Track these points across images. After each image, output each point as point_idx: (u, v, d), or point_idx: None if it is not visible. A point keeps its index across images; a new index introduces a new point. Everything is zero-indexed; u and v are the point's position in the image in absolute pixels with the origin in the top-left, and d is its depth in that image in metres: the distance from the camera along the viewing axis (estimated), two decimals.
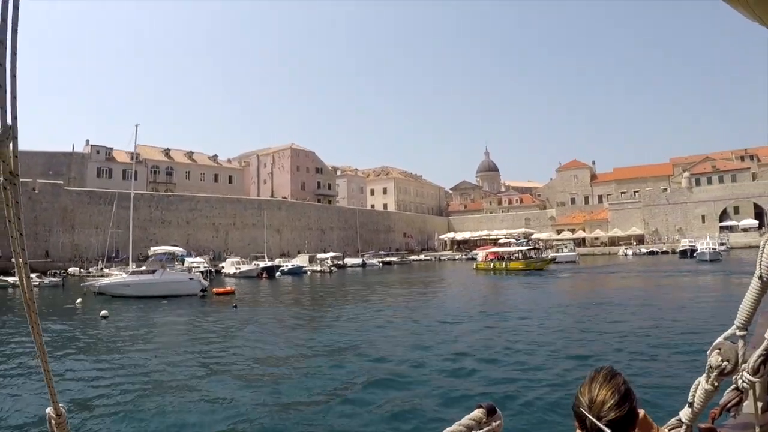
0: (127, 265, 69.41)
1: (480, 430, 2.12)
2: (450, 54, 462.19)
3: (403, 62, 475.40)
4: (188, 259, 58.48)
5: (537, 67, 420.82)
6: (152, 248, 52.65)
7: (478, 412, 2.16)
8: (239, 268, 70.16)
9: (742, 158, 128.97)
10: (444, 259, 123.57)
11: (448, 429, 2.01)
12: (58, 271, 65.39)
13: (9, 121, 1.49)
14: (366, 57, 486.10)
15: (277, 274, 70.85)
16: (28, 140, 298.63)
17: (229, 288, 47.76)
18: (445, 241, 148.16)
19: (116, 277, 45.82)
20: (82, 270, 71.08)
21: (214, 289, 45.63)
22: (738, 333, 2.13)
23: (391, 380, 15.12)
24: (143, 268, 46.21)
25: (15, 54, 1.49)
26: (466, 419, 2.11)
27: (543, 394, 12.94)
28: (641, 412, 2.20)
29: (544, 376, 14.90)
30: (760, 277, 2.04)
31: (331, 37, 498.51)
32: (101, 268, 70.18)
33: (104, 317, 30.09)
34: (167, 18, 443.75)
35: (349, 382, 15.25)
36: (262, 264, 71.65)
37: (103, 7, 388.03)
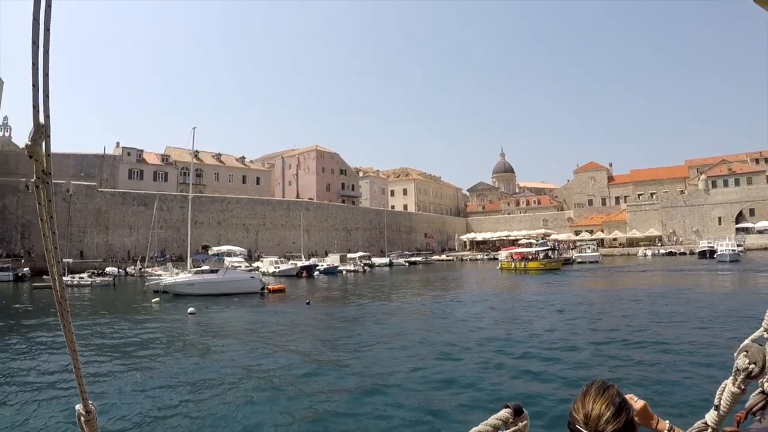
0: (170, 263, 72.05)
1: (507, 430, 2.20)
2: (467, 57, 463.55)
3: (420, 65, 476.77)
4: (228, 259, 60.06)
5: (551, 70, 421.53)
6: (214, 248, 54.28)
7: (504, 412, 2.23)
8: (278, 267, 71.95)
9: (757, 161, 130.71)
10: (466, 260, 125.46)
11: (474, 429, 2.10)
12: (99, 270, 66.63)
13: (42, 120, 1.55)
14: (383, 61, 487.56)
15: (315, 273, 72.87)
16: (58, 142, 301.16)
17: (281, 285, 49.68)
18: (465, 241, 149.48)
19: (181, 276, 47.21)
20: (139, 269, 72.47)
21: (268, 287, 47.58)
22: (766, 335, 2.16)
23: (428, 376, 15.60)
24: (205, 267, 47.84)
25: (48, 53, 1.54)
26: (492, 419, 2.18)
27: (570, 395, 12.46)
28: (641, 403, 2.33)
29: (573, 375, 15.14)
30: None
31: (349, 41, 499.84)
32: (140, 269, 72.11)
33: (192, 314, 31.59)
34: (189, 21, 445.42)
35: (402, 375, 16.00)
36: (299, 263, 73.74)
37: (131, 8, 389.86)
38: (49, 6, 1.54)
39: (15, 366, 18.08)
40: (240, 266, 62.23)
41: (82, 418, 1.90)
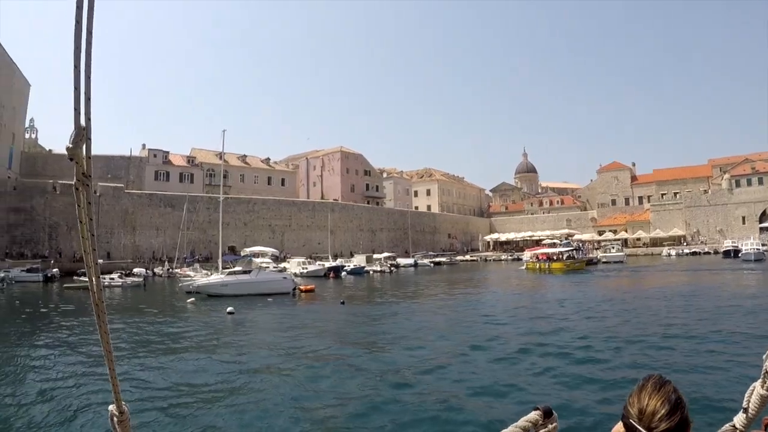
0: (197, 264, 72.50)
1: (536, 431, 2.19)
2: (487, 58, 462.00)
3: (441, 65, 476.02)
4: (255, 260, 60.17)
5: (573, 70, 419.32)
6: (246, 249, 54.50)
7: (534, 414, 2.22)
8: (306, 268, 72.09)
9: None
10: (490, 260, 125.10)
11: (504, 430, 2.09)
12: (127, 271, 66.58)
13: (83, 122, 1.57)
14: (403, 61, 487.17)
15: (342, 273, 72.97)
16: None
17: (311, 286, 49.87)
18: (489, 242, 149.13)
19: (214, 277, 47.43)
20: (167, 270, 73.14)
21: (299, 287, 47.81)
22: None
23: (456, 376, 15.62)
24: (237, 268, 48.06)
25: (90, 56, 1.56)
26: (522, 421, 2.17)
27: (602, 397, 12.94)
28: None
29: (608, 376, 15.04)
30: None
31: (370, 42, 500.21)
32: (168, 270, 72.56)
33: (230, 313, 31.81)
34: (212, 22, 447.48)
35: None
36: (327, 264, 73.94)
37: (155, 10, 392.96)
38: (91, 9, 1.55)
39: (50, 366, 18.23)
40: (268, 267, 62.45)
41: (115, 419, 1.93)
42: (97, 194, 77.75)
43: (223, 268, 51.15)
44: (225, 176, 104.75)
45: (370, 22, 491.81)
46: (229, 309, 32.51)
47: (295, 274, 62.12)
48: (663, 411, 1.83)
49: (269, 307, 37.43)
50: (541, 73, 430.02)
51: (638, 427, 1.83)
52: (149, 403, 13.41)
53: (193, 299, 40.25)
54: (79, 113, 1.56)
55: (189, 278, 52.93)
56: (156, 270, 73.81)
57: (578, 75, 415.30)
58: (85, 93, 1.58)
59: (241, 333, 25.87)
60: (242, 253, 52.72)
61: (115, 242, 79.44)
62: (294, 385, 15.01)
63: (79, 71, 1.56)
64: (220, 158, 74.94)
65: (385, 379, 15.41)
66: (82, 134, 1.60)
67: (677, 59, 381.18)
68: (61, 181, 76.39)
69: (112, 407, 1.92)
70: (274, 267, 66.56)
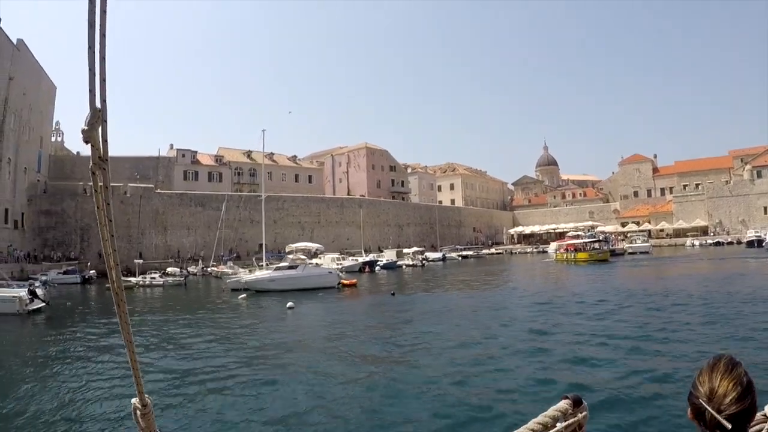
0: (230, 262, 72.81)
1: (566, 421, 2.19)
2: (506, 51, 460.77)
3: (459, 59, 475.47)
4: (289, 256, 60.36)
5: (592, 62, 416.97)
6: (290, 245, 54.69)
7: (564, 404, 2.23)
8: (341, 263, 72.32)
9: None
10: (515, 253, 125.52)
11: (534, 420, 2.10)
12: (160, 270, 66.70)
13: (98, 104, 1.52)
14: (422, 57, 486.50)
15: (376, 268, 73.28)
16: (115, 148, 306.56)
17: (353, 280, 50.26)
18: (513, 235, 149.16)
19: (262, 273, 47.74)
20: (201, 268, 74.17)
21: (342, 282, 48.35)
22: None
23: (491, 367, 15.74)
24: (284, 264, 48.24)
25: (104, 36, 1.52)
26: (552, 410, 2.17)
27: (632, 384, 12.90)
28: None
29: (637, 365, 14.89)
30: None
31: (389, 39, 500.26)
32: (203, 268, 72.88)
33: (290, 308, 32.19)
34: (237, 22, 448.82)
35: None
36: (360, 259, 74.39)
37: (185, 8, 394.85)
38: None
39: (92, 361, 18.58)
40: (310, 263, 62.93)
41: (138, 412, 1.92)
42: (128, 195, 78.17)
43: (267, 264, 51.94)
44: (253, 174, 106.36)
45: (390, 22, 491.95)
46: (289, 304, 32.90)
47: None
48: (734, 393, 1.80)
49: (323, 301, 38.07)
50: (559, 67, 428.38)
51: (708, 407, 1.81)
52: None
53: (244, 295, 40.62)
54: (94, 94, 1.51)
55: (232, 275, 53.26)
56: (190, 269, 73.99)
57: (597, 67, 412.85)
58: (100, 74, 1.53)
59: (313, 327, 26.57)
60: (287, 249, 52.69)
61: (146, 242, 79.58)
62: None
63: (94, 51, 1.51)
64: (261, 158, 75.89)
65: (447, 372, 15.36)
66: (97, 116, 1.55)
67: (696, 50, 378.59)
68: (90, 183, 76.71)
69: (135, 400, 1.90)
70: (310, 263, 67.16)
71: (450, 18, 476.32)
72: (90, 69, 1.50)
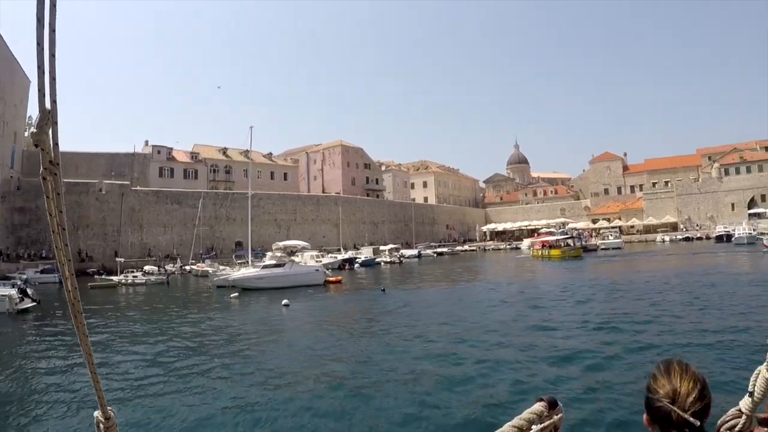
0: (208, 260, 72.52)
1: (541, 423, 2.18)
2: (479, 50, 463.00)
3: (432, 57, 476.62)
4: (269, 254, 60.38)
5: (563, 61, 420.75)
6: (276, 242, 54.75)
7: (539, 406, 2.21)
8: (320, 261, 72.46)
9: (767, 149, 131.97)
10: (489, 249, 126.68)
11: (508, 423, 2.08)
12: (136, 269, 65.26)
13: (48, 105, 1.45)
14: (397, 55, 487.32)
15: (355, 265, 73.75)
16: (85, 141, 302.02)
17: (338, 278, 51.12)
18: (485, 231, 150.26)
19: (250, 271, 47.83)
20: (180, 267, 73.30)
21: (327, 279, 48.98)
22: None
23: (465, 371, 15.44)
24: (272, 262, 48.31)
25: (54, 31, 1.44)
26: (527, 413, 2.16)
27: (606, 385, 12.87)
28: None
29: (607, 364, 15.05)
30: None
31: (363, 35, 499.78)
32: (182, 266, 72.35)
33: (286, 306, 32.49)
34: (210, 19, 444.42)
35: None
36: (340, 257, 74.76)
37: (160, 5, 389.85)
38: None
39: (79, 365, 18.04)
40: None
41: (101, 425, 1.88)
42: (103, 192, 77.18)
43: (248, 262, 52.45)
44: (228, 171, 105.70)
45: (363, 19, 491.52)
46: (285, 302, 33.17)
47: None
48: (696, 392, 1.93)
49: (315, 298, 38.41)
50: (529, 66, 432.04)
51: (674, 408, 1.91)
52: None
53: (236, 294, 40.64)
54: (44, 95, 1.42)
55: (219, 273, 53.34)
56: (167, 267, 72.96)
57: (567, 67, 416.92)
58: (50, 73, 1.44)
59: (313, 324, 26.60)
60: (275, 246, 52.70)
61: (122, 240, 78.45)
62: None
63: (42, 48, 1.42)
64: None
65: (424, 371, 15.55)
66: (47, 118, 1.46)
67: (666, 51, 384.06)
68: (65, 180, 75.35)
69: (97, 413, 1.87)
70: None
71: (423, 16, 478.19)
72: (39, 67, 1.40)
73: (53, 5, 1.42)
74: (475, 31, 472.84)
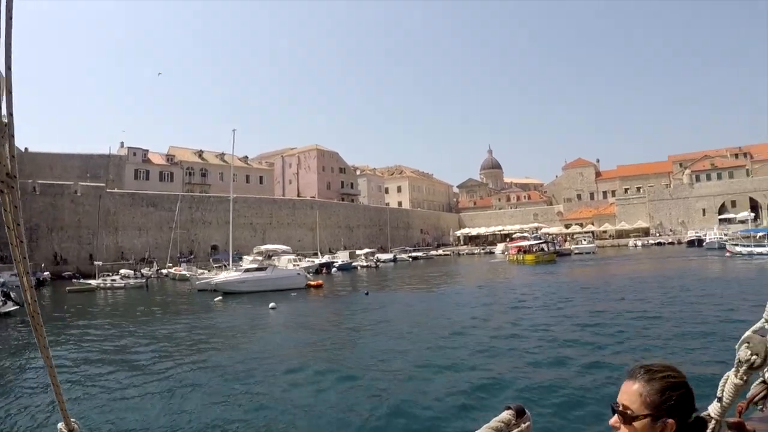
0: (184, 264, 72.17)
1: None
2: (452, 56, 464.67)
3: (405, 64, 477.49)
4: (248, 257, 60.36)
5: (536, 68, 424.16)
6: (258, 246, 54.77)
7: (506, 414, 2.21)
8: (298, 265, 72.49)
9: (737, 155, 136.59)
10: (463, 254, 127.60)
11: (477, 431, 2.07)
12: (112, 273, 64.14)
13: (4, 117, 1.39)
14: (371, 60, 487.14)
15: (333, 269, 73.94)
16: (59, 142, 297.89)
17: (319, 281, 51.45)
18: (459, 236, 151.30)
19: (232, 274, 47.82)
20: (156, 270, 72.15)
21: (309, 283, 49.28)
22: (767, 326, 2.14)
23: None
24: (254, 265, 48.38)
25: (10, 43, 1.35)
26: (494, 422, 2.15)
27: (576, 392, 12.58)
28: None
29: (583, 368, 14.90)
30: None
31: (338, 40, 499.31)
32: (158, 270, 71.72)
33: (273, 308, 32.67)
34: (184, 16, 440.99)
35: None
36: (317, 261, 74.80)
37: (135, 7, 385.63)
38: None
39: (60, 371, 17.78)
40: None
41: None
42: (78, 194, 76.29)
43: (226, 266, 53.63)
44: (204, 174, 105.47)
45: (336, 21, 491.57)
46: (272, 305, 33.37)
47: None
48: (664, 396, 1.91)
49: (299, 301, 38.92)
50: (503, 72, 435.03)
51: (619, 410, 1.95)
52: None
53: (220, 297, 40.60)
54: (0, 107, 1.28)
55: (200, 277, 53.27)
56: (143, 271, 71.84)
57: (539, 73, 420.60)
58: (6, 85, 1.41)
59: (305, 326, 26.81)
60: (256, 250, 52.76)
61: (98, 243, 77.16)
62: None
63: None
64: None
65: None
66: (4, 131, 1.44)
67: (637, 59, 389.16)
68: (40, 181, 74.57)
69: (60, 425, 1.88)
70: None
71: (395, 23, 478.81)
72: None
73: (9, 18, 1.34)
74: (448, 37, 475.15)
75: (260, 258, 49.95)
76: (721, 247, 77.27)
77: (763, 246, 64.84)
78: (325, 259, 79.73)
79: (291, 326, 26.59)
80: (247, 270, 47.36)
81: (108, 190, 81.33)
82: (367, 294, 39.51)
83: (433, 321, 25.13)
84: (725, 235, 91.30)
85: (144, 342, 23.07)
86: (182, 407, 13.02)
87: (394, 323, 25.15)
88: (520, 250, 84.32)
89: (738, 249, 67.49)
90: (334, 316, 28.96)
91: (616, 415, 1.93)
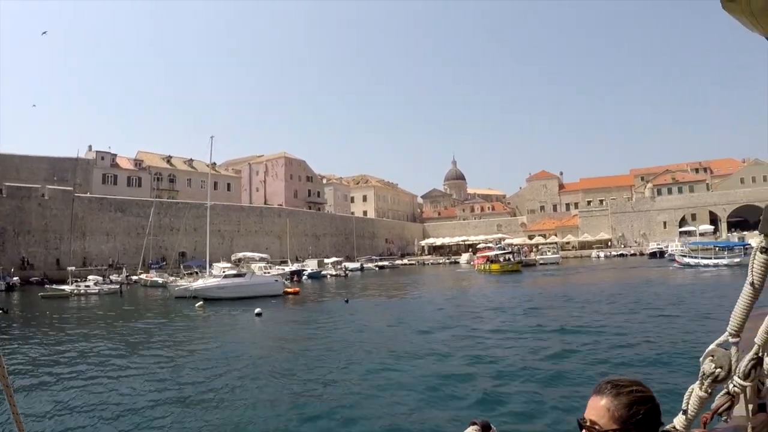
0: (153, 271, 71.96)
1: None
2: (416, 66, 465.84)
3: (369, 73, 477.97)
4: (218, 264, 60.50)
5: (501, 81, 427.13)
6: (235, 254, 55.16)
7: (472, 430, 2.22)
8: (269, 272, 72.76)
9: (697, 170, 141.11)
10: (428, 263, 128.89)
11: None
12: (80, 279, 62.51)
13: None
14: (335, 68, 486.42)
15: (303, 277, 74.32)
16: (27, 144, 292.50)
17: (296, 289, 52.10)
18: (423, 246, 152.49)
19: (212, 281, 48.00)
20: (125, 276, 70.86)
21: (286, 290, 49.95)
22: (731, 340, 2.13)
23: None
24: (232, 272, 48.82)
25: None
26: None
27: (544, 407, 12.42)
28: None
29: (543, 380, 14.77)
30: (752, 284, 1.99)
31: (302, 48, 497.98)
32: (127, 276, 70.98)
33: (258, 315, 33.08)
34: (154, 18, 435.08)
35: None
36: (287, 268, 75.08)
37: (101, 8, 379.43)
38: None
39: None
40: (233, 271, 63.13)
41: None
42: (46, 198, 75.44)
43: (186, 272, 56.11)
44: (173, 180, 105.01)
45: (297, 27, 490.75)
46: (257, 311, 33.69)
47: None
48: (631, 411, 1.93)
49: (280, 308, 39.68)
50: (468, 84, 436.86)
51: (586, 425, 1.98)
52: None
53: (201, 303, 40.54)
54: None
55: (177, 283, 53.38)
56: (112, 277, 70.19)
57: (504, 87, 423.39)
58: None
59: (293, 332, 27.60)
60: (234, 257, 53.20)
61: (64, 248, 76.22)
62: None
63: None
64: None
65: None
66: None
67: (600, 75, 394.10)
68: (7, 183, 73.59)
69: None
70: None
71: (360, 31, 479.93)
72: None
73: None
74: (412, 47, 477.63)
75: (226, 265, 50.51)
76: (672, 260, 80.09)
77: (710, 258, 68.11)
78: (295, 267, 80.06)
79: (284, 335, 26.92)
80: (227, 276, 47.73)
81: (76, 195, 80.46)
82: (347, 302, 40.19)
83: (411, 327, 25.98)
84: (684, 247, 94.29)
85: (151, 352, 21.78)
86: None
87: (391, 330, 25.99)
88: (487, 259, 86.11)
89: (686, 260, 70.63)
90: (322, 323, 29.19)
91: (583, 430, 1.99)
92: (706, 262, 66.85)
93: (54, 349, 22.73)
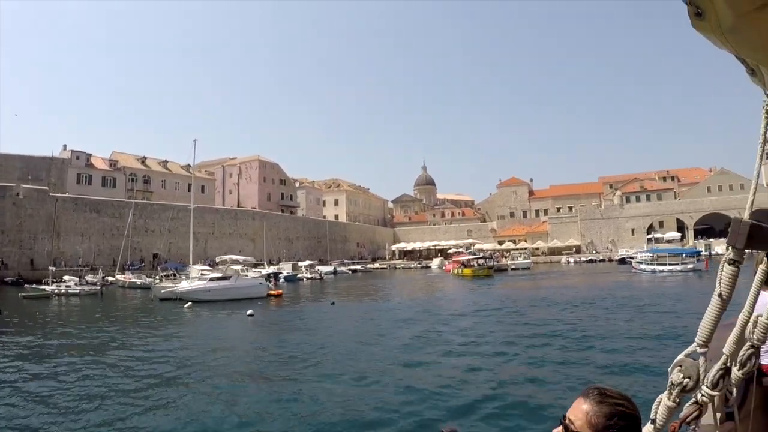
0: (130, 273, 71.80)
1: None
2: (387, 71, 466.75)
3: (340, 76, 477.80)
4: (195, 267, 60.64)
5: (469, 86, 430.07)
6: (219, 256, 55.54)
7: None
8: (246, 275, 73.07)
9: (665, 179, 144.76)
10: (399, 268, 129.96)
11: None
12: (55, 279, 61.43)
13: None
14: (305, 72, 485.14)
15: (280, 280, 74.70)
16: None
17: (279, 291, 53.14)
18: (394, 251, 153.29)
19: (197, 283, 48.32)
20: (102, 278, 69.42)
21: (269, 292, 50.82)
22: (699, 350, 2.13)
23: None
24: (217, 274, 49.31)
25: None
26: None
27: (516, 413, 12.19)
28: None
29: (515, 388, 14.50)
30: (720, 295, 2.02)
31: (271, 51, 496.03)
32: (103, 277, 70.28)
33: (251, 316, 33.75)
34: (126, 18, 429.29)
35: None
36: (264, 271, 75.28)
37: (77, 6, 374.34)
38: None
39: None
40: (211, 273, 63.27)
41: None
42: (20, 196, 74.60)
43: (165, 276, 56.51)
44: (147, 182, 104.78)
45: (268, 30, 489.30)
46: (249, 312, 34.37)
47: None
48: (609, 422, 1.92)
49: (269, 310, 40.33)
50: (439, 89, 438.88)
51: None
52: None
53: (189, 304, 41.02)
54: None
55: (160, 284, 53.53)
56: (88, 278, 69.39)
57: (474, 93, 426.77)
58: None
59: (273, 333, 27.76)
60: (218, 260, 53.66)
61: (38, 248, 75.34)
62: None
63: None
64: (192, 170, 74.50)
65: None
66: None
67: (569, 84, 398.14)
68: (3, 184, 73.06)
69: None
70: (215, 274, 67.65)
71: (331, 36, 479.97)
72: None
73: None
74: (381, 54, 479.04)
75: (201, 267, 50.97)
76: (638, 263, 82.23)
77: (665, 265, 70.23)
78: (271, 270, 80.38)
79: (281, 335, 27.27)
80: (212, 279, 48.23)
81: (52, 194, 79.75)
82: (333, 304, 41.19)
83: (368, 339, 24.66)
84: (650, 254, 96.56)
85: (161, 358, 20.62)
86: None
87: (382, 331, 26.60)
88: (460, 264, 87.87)
89: (642, 267, 73.60)
90: (313, 324, 29.79)
91: (561, 426, 2.02)
92: (661, 268, 69.32)
93: (79, 355, 21.53)
